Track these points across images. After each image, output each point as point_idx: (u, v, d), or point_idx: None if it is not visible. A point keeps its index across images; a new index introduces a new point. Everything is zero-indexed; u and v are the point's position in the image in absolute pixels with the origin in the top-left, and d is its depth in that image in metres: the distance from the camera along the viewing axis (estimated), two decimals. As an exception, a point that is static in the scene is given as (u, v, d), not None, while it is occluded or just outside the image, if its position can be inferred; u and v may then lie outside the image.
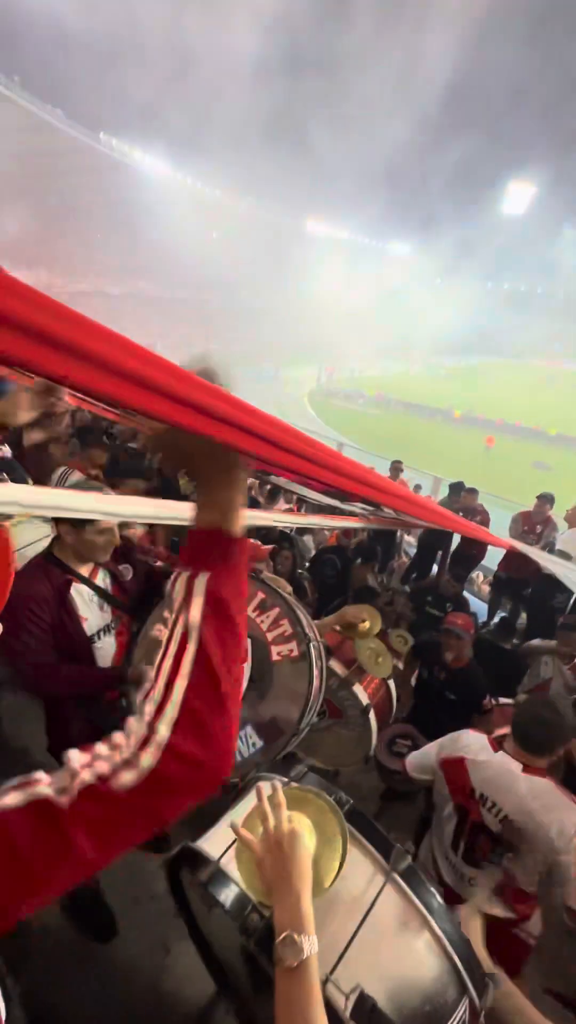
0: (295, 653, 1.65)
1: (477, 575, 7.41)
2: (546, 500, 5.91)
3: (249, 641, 1.72)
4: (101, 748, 0.53)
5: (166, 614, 0.58)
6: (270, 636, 1.69)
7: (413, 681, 3.24)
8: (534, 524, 5.92)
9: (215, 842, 1.07)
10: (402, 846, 1.03)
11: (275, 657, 1.66)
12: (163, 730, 0.51)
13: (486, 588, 6.77)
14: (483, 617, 5.92)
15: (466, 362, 61.01)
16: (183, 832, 1.12)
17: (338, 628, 2.42)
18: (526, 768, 1.62)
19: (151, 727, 0.52)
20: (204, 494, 0.61)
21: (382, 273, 78.34)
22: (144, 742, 0.51)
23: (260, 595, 1.74)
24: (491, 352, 66.01)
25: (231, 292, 59.27)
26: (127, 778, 0.50)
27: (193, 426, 0.51)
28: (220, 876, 0.98)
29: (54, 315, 0.40)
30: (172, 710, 0.52)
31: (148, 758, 0.50)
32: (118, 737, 0.53)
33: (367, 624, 2.42)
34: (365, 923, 0.89)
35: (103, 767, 0.51)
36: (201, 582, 0.56)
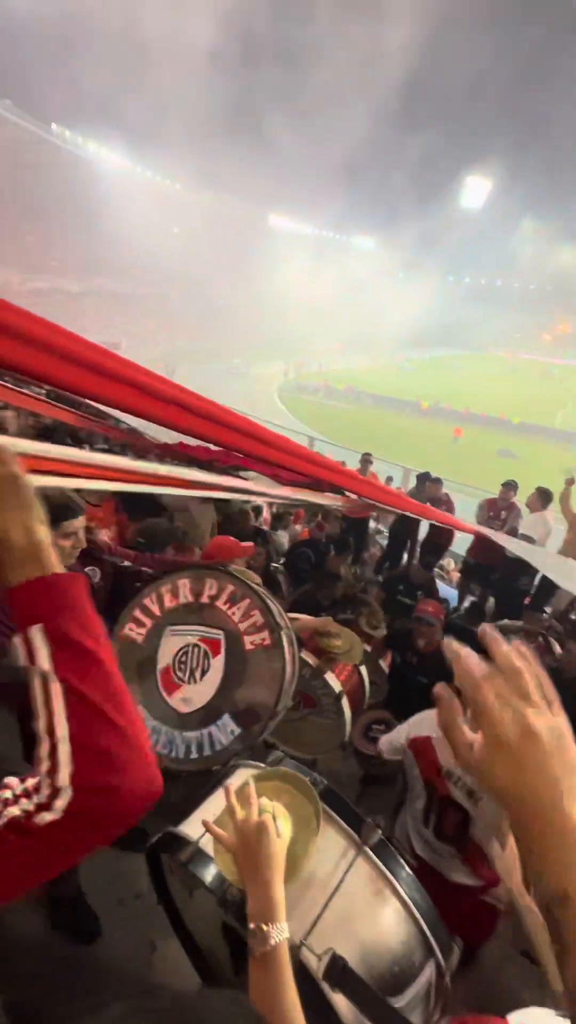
0: (267, 641, 1.67)
1: (448, 561, 7.60)
2: (510, 487, 6.10)
3: (222, 634, 1.74)
4: (30, 781, 0.52)
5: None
6: (242, 627, 1.71)
7: (385, 667, 3.32)
8: (499, 510, 6.11)
9: (194, 827, 1.09)
10: (373, 821, 1.08)
11: (248, 646, 1.69)
12: (63, 775, 0.51)
13: (456, 575, 6.95)
14: (454, 603, 6.08)
15: (431, 354, 62.06)
16: (161, 825, 1.14)
17: (316, 631, 2.45)
18: None
19: (52, 777, 0.51)
20: (3, 552, 0.58)
21: (346, 267, 78.72)
22: (53, 792, 0.51)
23: (230, 588, 1.76)
24: (455, 344, 67.32)
25: (195, 287, 58.47)
26: (47, 817, 0.50)
27: (169, 418, 0.53)
28: (200, 855, 1.01)
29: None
30: (64, 750, 0.52)
31: (61, 803, 0.50)
32: (32, 781, 0.52)
33: (340, 644, 2.45)
34: (337, 893, 0.93)
35: (28, 805, 0.51)
36: (35, 633, 0.55)
